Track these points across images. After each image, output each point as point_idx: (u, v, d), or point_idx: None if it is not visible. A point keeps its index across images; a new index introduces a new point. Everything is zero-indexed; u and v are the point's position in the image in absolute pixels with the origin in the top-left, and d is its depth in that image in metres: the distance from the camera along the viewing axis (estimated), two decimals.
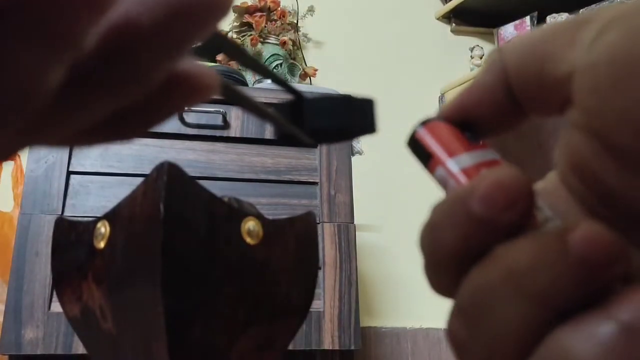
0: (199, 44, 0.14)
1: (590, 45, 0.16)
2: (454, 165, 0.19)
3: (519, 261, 0.15)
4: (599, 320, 0.14)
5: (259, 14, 1.57)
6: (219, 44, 0.18)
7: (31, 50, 0.10)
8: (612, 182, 0.16)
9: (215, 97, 0.16)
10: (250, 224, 0.54)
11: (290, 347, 0.74)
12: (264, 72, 0.22)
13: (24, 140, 0.13)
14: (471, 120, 0.20)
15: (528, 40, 0.19)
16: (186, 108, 0.15)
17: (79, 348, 0.93)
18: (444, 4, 1.98)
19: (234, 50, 0.20)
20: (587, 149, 0.17)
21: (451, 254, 0.17)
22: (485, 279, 0.16)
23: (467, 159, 0.19)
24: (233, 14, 1.59)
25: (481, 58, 1.93)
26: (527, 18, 1.80)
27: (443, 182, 0.19)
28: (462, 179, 0.18)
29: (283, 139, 0.23)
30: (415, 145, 0.20)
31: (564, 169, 0.18)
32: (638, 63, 0.15)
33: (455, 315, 0.17)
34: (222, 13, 0.13)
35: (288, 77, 1.54)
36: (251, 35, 1.52)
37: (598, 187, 0.17)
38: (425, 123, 0.20)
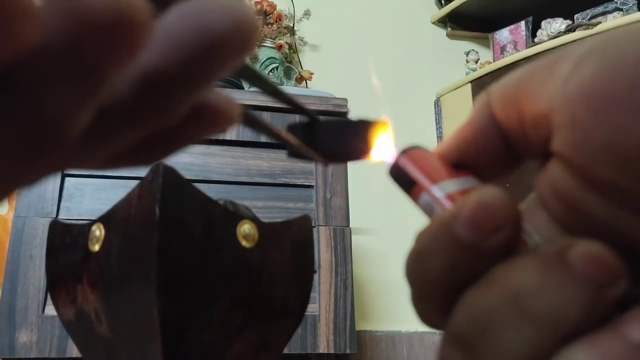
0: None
1: (566, 79, 0.16)
2: (439, 191, 0.18)
3: (522, 283, 0.15)
4: (610, 339, 0.14)
5: None
6: (239, 70, 0.18)
7: (70, 91, 0.11)
8: (595, 214, 0.16)
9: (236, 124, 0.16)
10: (245, 227, 0.53)
11: (286, 351, 0.74)
12: (283, 98, 0.22)
13: (52, 170, 0.14)
14: (468, 162, 0.19)
15: (510, 80, 0.18)
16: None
17: (74, 351, 0.93)
18: (439, 8, 1.99)
19: (254, 76, 0.20)
20: (569, 182, 0.16)
21: (439, 282, 0.16)
22: (486, 303, 0.15)
23: (452, 185, 0.18)
24: None
25: (476, 62, 1.94)
26: (522, 23, 1.81)
27: (428, 210, 0.19)
28: (448, 204, 0.18)
29: (296, 156, 0.23)
30: (398, 173, 0.20)
31: (545, 196, 0.18)
32: (615, 96, 0.15)
33: (451, 344, 0.16)
34: (248, 51, 0.13)
35: (284, 80, 1.54)
36: None
37: (581, 216, 0.17)
38: (406, 151, 0.20)
